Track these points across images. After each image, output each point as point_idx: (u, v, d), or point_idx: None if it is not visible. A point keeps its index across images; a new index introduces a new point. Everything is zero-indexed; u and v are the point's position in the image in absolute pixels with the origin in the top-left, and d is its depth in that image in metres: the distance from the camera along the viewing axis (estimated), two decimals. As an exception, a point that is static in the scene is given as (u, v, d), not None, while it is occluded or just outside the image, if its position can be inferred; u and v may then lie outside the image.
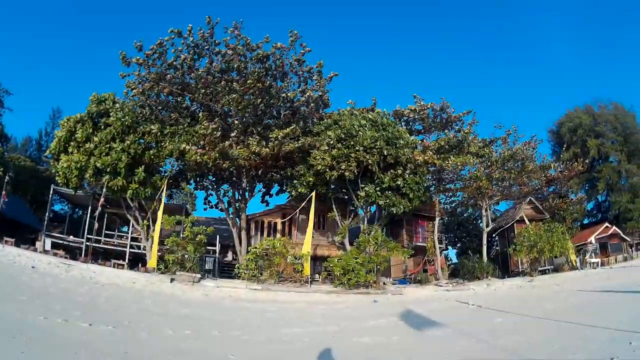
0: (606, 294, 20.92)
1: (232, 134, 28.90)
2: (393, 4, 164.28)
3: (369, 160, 28.79)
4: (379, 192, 29.88)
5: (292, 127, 29.42)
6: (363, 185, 30.14)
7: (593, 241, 46.01)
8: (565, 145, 56.97)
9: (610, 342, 9.88)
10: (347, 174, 28.77)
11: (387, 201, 29.96)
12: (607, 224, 50.08)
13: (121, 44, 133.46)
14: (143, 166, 27.04)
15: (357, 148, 28.78)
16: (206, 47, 28.89)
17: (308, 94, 30.74)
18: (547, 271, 38.03)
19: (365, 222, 32.78)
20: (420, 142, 34.13)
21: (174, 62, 28.35)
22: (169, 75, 28.38)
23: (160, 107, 30.01)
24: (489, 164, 35.83)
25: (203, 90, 28.86)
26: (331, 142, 29.30)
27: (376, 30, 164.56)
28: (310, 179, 29.92)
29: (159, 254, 25.97)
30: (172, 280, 23.31)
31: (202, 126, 27.65)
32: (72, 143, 26.93)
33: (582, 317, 13.28)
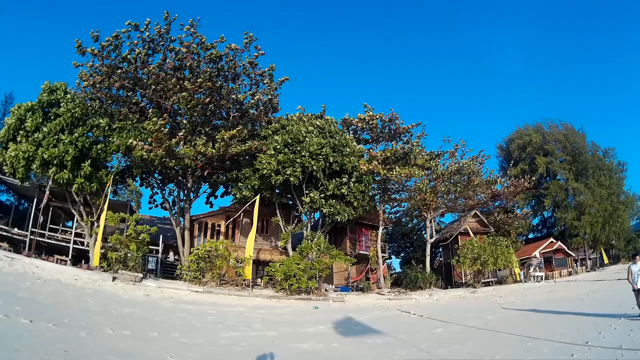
0: (552, 304, 21.75)
1: (180, 133, 28.96)
2: (346, 14, 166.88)
3: (314, 167, 29.44)
4: (323, 199, 30.59)
5: (239, 128, 29.71)
6: (308, 192, 30.73)
7: (537, 255, 48.23)
8: (513, 162, 59.48)
9: (553, 354, 10.36)
10: (292, 179, 29.31)
11: (331, 208, 30.68)
12: (552, 239, 52.47)
13: (81, 30, 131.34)
14: (90, 160, 26.68)
15: (303, 154, 29.37)
16: (161, 43, 29.01)
17: (258, 97, 31.26)
18: (490, 283, 39.59)
19: (309, 228, 33.44)
20: (367, 151, 35.08)
21: (128, 56, 28.36)
22: (121, 69, 28.37)
23: (110, 101, 29.88)
24: (435, 176, 37.14)
25: (154, 87, 28.89)
26: (278, 147, 29.78)
27: (331, 40, 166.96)
28: (256, 182, 30.32)
29: (102, 251, 25.72)
30: (114, 278, 23.17)
31: (151, 122, 27.65)
32: (21, 132, 26.42)
33: (524, 329, 13.91)
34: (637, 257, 14.29)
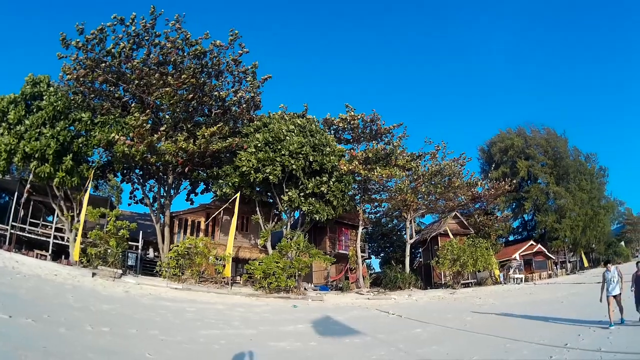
0: (531, 306, 22.18)
1: (162, 128, 29.10)
2: (332, 13, 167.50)
3: (294, 166, 29.71)
4: (302, 198, 30.88)
5: (219, 125, 30.00)
6: (287, 190, 30.98)
7: (517, 258, 49.04)
8: (494, 165, 60.43)
9: (532, 355, 10.54)
10: (272, 177, 29.55)
11: (311, 207, 30.96)
12: (532, 242, 53.43)
13: (68, 22, 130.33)
14: (71, 154, 26.58)
15: (283, 152, 29.65)
16: (146, 38, 29.06)
17: (240, 94, 31.50)
18: (469, 284, 40.21)
19: (289, 226, 33.64)
20: (348, 151, 35.47)
21: (112, 50, 28.34)
22: (105, 63, 28.36)
23: (93, 95, 29.86)
24: (416, 177, 37.66)
25: (137, 82, 28.93)
26: (258, 145, 30.02)
27: (314, 40, 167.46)
28: (236, 179, 30.50)
29: (82, 246, 25.58)
30: (93, 274, 23.17)
31: (133, 117, 27.72)
32: (3, 124, 26.32)
33: (503, 331, 14.15)
34: (609, 264, 14.34)
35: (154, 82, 28.67)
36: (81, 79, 28.31)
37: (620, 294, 13.80)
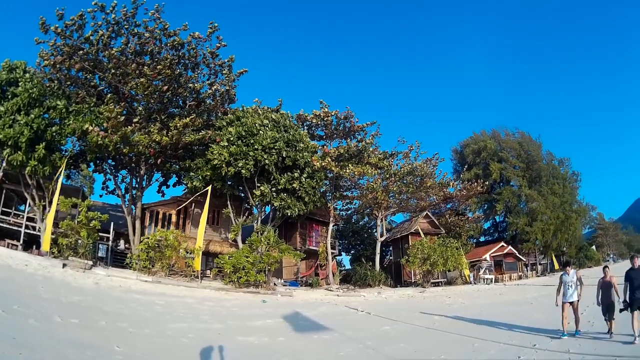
0: (501, 306, 22.84)
1: (135, 120, 29.21)
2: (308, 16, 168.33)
3: (267, 160, 30.12)
4: (274, 193, 31.26)
5: (192, 117, 30.18)
6: (259, 185, 31.35)
7: (488, 258, 50.34)
8: (467, 166, 61.78)
9: (500, 355, 10.73)
10: (244, 171, 29.91)
11: (282, 203, 31.37)
12: (503, 243, 54.89)
13: (48, 7, 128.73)
14: (44, 143, 26.54)
15: (256, 147, 29.99)
16: (125, 27, 29.05)
17: (215, 87, 31.64)
18: (439, 284, 41.22)
19: (259, 221, 34.08)
20: (320, 147, 36.05)
21: (91, 37, 28.29)
22: (82, 50, 28.28)
23: (69, 83, 29.78)
24: (388, 176, 38.45)
25: (113, 71, 28.91)
26: (231, 138, 30.29)
27: (293, 38, 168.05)
28: (207, 173, 30.73)
29: (53, 237, 25.46)
30: (64, 265, 23.06)
31: (107, 108, 27.72)
32: None
33: (472, 330, 14.37)
34: (569, 267, 13.31)
35: (130, 71, 28.71)
36: (58, 66, 28.18)
37: (578, 301, 12.77)
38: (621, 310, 11.82)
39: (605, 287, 12.58)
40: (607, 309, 12.30)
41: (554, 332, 12.86)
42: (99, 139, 27.16)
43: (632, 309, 11.36)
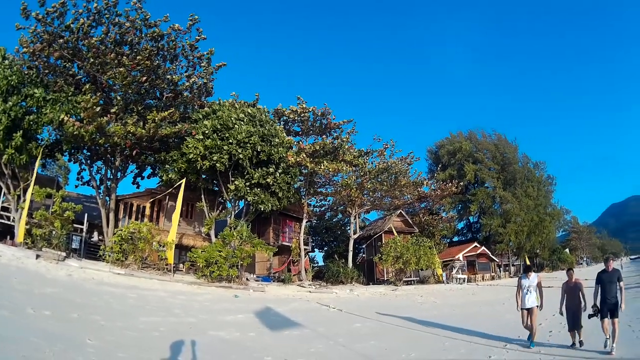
0: (473, 306, 22.99)
1: (112, 110, 29.36)
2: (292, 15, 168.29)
3: (241, 155, 30.56)
4: (248, 188, 31.61)
5: (171, 110, 30.41)
6: (233, 179, 31.74)
7: (461, 258, 51.46)
8: (441, 166, 62.94)
9: (470, 354, 10.87)
10: (218, 165, 30.30)
11: (256, 197, 31.75)
12: (476, 244, 56.13)
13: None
14: (21, 131, 26.49)
15: (230, 141, 30.37)
16: (106, 16, 29.05)
17: (193, 79, 31.96)
18: (412, 282, 42.10)
19: (233, 216, 34.50)
20: (296, 143, 36.50)
21: (71, 25, 28.26)
22: (62, 38, 28.31)
23: (47, 71, 29.61)
24: (362, 174, 39.19)
25: (92, 60, 28.87)
26: (206, 132, 30.62)
27: (274, 32, 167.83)
28: (182, 165, 31.01)
29: (27, 227, 25.39)
30: (37, 256, 22.90)
31: (84, 98, 27.70)
32: None
33: (443, 329, 14.56)
34: (530, 271, 12.11)
35: (109, 61, 28.77)
36: (37, 53, 28.32)
37: (537, 307, 11.72)
38: (590, 316, 10.96)
39: (570, 291, 11.61)
40: (573, 317, 11.28)
41: (525, 331, 12.01)
42: (75, 129, 27.23)
43: (602, 315, 10.60)
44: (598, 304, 10.77)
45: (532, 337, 11.58)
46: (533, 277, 11.92)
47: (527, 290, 11.79)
